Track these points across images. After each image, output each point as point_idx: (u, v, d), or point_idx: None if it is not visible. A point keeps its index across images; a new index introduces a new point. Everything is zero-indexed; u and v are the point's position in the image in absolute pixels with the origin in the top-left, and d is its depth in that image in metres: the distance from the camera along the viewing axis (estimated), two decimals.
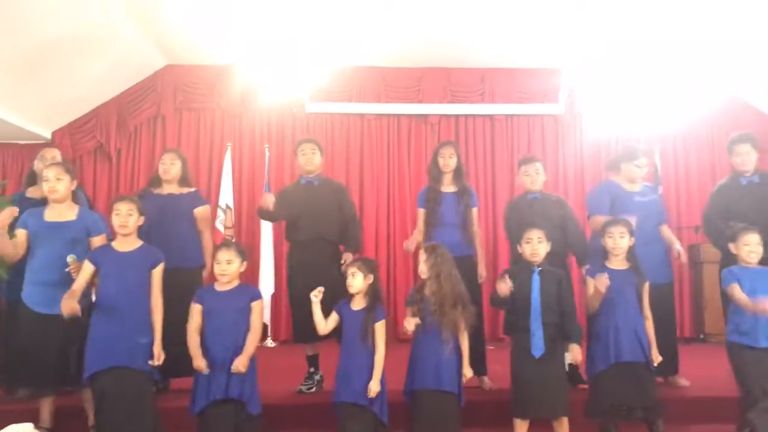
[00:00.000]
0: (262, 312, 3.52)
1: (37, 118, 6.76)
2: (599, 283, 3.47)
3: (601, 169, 7.35)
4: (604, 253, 3.78)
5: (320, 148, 4.56)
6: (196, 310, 3.40)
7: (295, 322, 4.40)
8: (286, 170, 7.27)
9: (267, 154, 7.06)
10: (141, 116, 7.24)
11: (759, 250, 3.65)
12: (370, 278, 3.45)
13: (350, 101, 7.38)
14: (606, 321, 3.58)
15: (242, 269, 3.48)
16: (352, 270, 3.45)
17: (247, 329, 3.37)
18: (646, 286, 3.68)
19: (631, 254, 3.72)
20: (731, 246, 3.75)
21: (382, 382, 3.37)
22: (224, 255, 3.43)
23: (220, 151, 7.18)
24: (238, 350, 3.30)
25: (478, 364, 4.28)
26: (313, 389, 4.26)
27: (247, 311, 3.41)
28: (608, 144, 7.45)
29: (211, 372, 3.26)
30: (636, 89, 7.09)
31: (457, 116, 7.48)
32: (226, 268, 3.40)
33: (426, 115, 7.44)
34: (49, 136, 7.02)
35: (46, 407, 3.59)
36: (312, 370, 4.34)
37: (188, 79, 7.27)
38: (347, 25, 6.23)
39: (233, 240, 6.68)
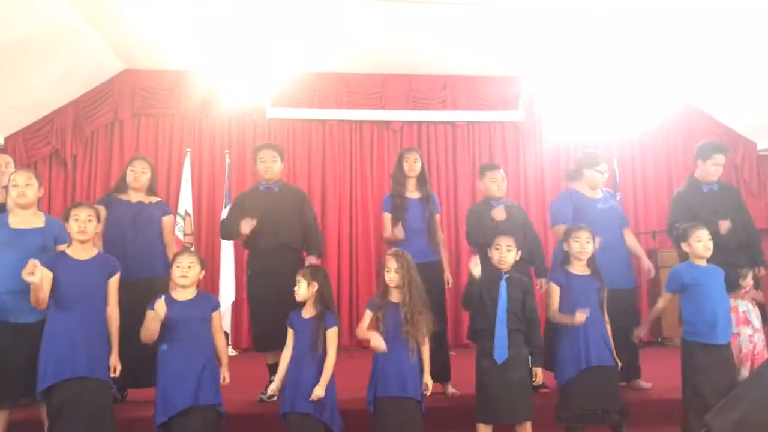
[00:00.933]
0: (221, 320, 3.52)
1: None
2: (579, 317, 3.50)
3: (561, 179, 7.51)
4: (566, 259, 3.83)
5: (281, 155, 4.47)
6: (154, 316, 3.28)
7: (254, 330, 4.35)
8: (247, 176, 7.19)
9: (227, 160, 7.00)
10: (98, 121, 7.08)
11: (710, 246, 3.75)
12: (314, 286, 3.42)
13: (312, 107, 7.34)
14: (574, 328, 3.61)
15: (201, 276, 3.45)
16: (297, 278, 3.45)
17: (210, 338, 3.36)
18: (605, 292, 3.74)
19: (591, 260, 3.78)
20: (683, 245, 3.82)
21: (333, 390, 3.36)
22: (186, 259, 3.40)
23: (180, 157, 7.07)
24: (202, 357, 3.28)
25: (442, 370, 4.29)
26: (274, 398, 4.21)
27: (209, 320, 3.39)
28: (567, 150, 7.56)
29: (179, 381, 3.22)
30: (594, 96, 7.20)
31: (419, 122, 7.51)
32: (187, 272, 3.36)
33: (388, 122, 7.45)
34: (2, 141, 6.82)
35: (0, 420, 3.48)
36: (273, 378, 4.29)
37: (147, 84, 7.15)
38: (309, 31, 6.21)
39: (192, 247, 6.61)
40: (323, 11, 5.89)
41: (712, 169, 4.50)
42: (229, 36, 6.09)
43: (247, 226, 4.16)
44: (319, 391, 3.25)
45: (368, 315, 3.50)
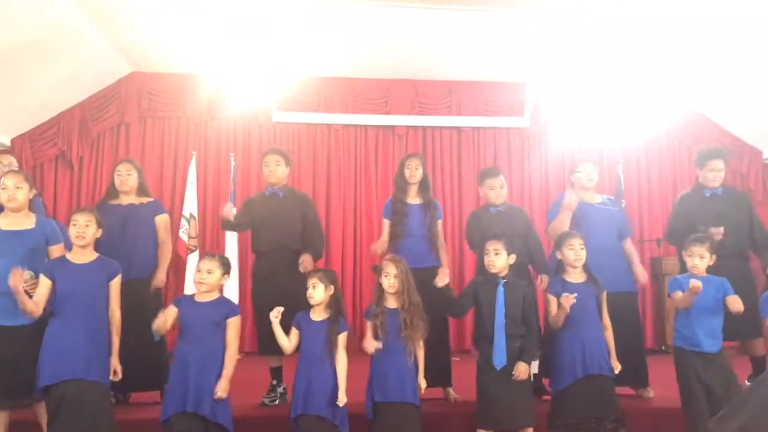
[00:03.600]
0: (238, 329, 3.44)
1: None
2: (565, 301, 3.49)
3: (567, 186, 7.53)
4: (561, 267, 3.80)
5: (285, 159, 4.51)
6: (171, 310, 3.36)
7: (259, 333, 4.35)
8: (252, 180, 7.21)
9: (233, 163, 7.02)
10: (104, 124, 7.11)
11: (701, 263, 3.71)
12: (331, 289, 3.44)
13: (318, 111, 7.36)
14: (571, 335, 3.60)
15: (223, 281, 3.45)
16: (313, 281, 3.43)
17: (221, 345, 3.32)
18: (604, 295, 3.72)
19: (585, 266, 3.76)
20: (684, 253, 3.82)
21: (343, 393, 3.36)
22: (205, 264, 3.41)
23: (185, 160, 7.09)
24: (209, 363, 3.27)
25: (443, 375, 4.28)
26: (276, 401, 4.22)
27: (222, 326, 3.37)
28: (572, 157, 7.53)
29: (181, 383, 3.23)
30: (600, 103, 7.19)
31: (424, 128, 7.51)
32: (206, 278, 3.38)
33: (393, 126, 7.46)
34: (8, 142, 6.85)
35: (0, 421, 3.48)
36: (275, 382, 4.30)
37: (153, 87, 7.18)
38: (315, 36, 6.22)
39: (196, 249, 6.62)
40: (329, 16, 5.90)
41: (709, 176, 4.47)
42: (236, 39, 6.10)
43: (228, 212, 4.34)
44: (343, 397, 3.27)
45: (370, 326, 3.51)
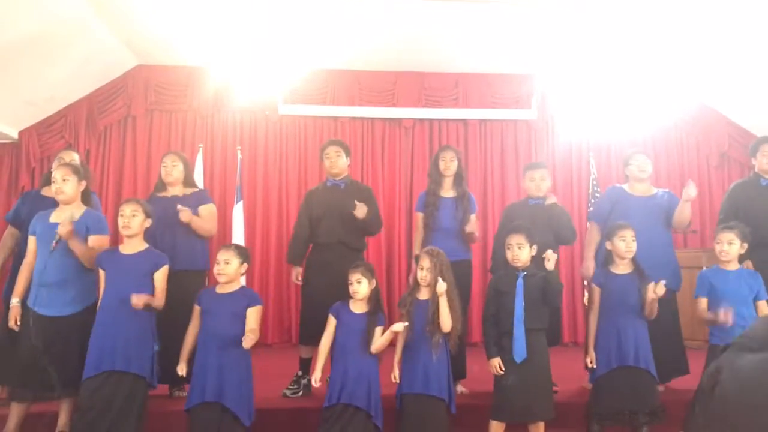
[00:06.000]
0: (259, 318, 3.45)
1: (4, 118, 6.61)
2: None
3: (575, 178, 7.52)
4: (610, 258, 3.80)
5: (346, 150, 4.52)
6: (196, 312, 3.43)
7: (303, 321, 4.33)
8: (259, 172, 7.21)
9: (239, 156, 7.01)
10: (111, 116, 7.11)
11: (730, 249, 3.69)
12: (374, 283, 3.48)
13: (324, 104, 7.33)
14: (608, 325, 3.61)
15: (242, 271, 3.47)
16: (356, 276, 3.45)
17: (241, 336, 3.31)
18: (650, 290, 3.63)
19: (634, 258, 3.75)
20: (715, 241, 3.80)
21: (378, 383, 3.39)
22: (222, 255, 3.44)
23: (192, 153, 7.06)
24: (230, 354, 3.28)
25: (459, 369, 4.25)
26: (299, 393, 4.21)
27: (242, 316, 3.38)
28: (579, 149, 7.54)
29: (203, 373, 3.26)
30: (607, 95, 7.16)
31: (431, 120, 7.49)
32: (224, 268, 3.41)
33: (400, 119, 7.44)
34: (16, 135, 6.86)
35: (15, 414, 3.47)
36: (300, 373, 4.28)
37: (160, 80, 7.17)
38: (322, 28, 6.20)
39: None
40: (336, 8, 5.88)
41: (764, 161, 4.40)
42: (242, 32, 6.09)
43: (295, 276, 4.36)
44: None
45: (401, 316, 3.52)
